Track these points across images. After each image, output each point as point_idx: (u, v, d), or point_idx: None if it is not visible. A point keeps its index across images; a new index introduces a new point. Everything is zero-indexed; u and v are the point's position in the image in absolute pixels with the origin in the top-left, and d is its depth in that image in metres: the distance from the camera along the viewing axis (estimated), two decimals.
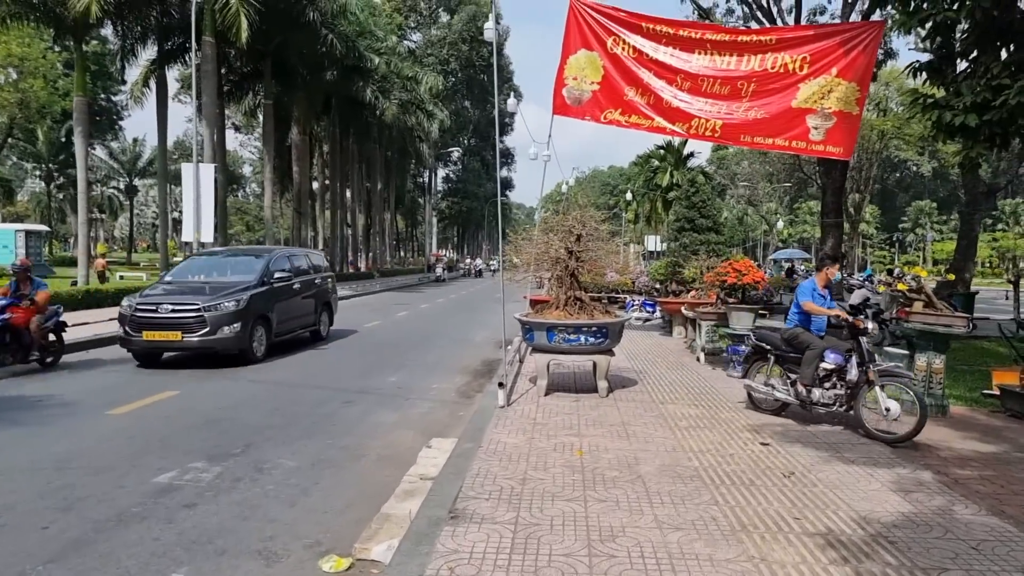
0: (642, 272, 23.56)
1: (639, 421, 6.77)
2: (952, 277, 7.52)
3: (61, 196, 69.71)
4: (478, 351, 12.56)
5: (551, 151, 16.21)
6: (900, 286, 7.25)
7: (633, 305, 18.28)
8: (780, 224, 56.54)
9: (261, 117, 32.55)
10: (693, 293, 12.28)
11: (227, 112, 50.24)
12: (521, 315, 8.10)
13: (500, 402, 7.21)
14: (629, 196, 44.80)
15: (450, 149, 55.96)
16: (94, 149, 69.71)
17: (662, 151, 41.68)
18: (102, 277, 27.59)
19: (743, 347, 9.08)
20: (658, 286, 16.53)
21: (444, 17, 67.88)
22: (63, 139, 62.83)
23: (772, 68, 10.60)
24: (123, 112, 63.63)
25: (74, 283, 24.01)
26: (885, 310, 18.32)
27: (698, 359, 10.56)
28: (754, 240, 71.51)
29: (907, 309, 7.40)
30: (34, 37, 54.98)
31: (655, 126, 11.32)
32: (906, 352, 8.23)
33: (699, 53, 10.79)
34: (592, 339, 7.61)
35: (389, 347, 12.91)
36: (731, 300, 9.72)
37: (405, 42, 65.60)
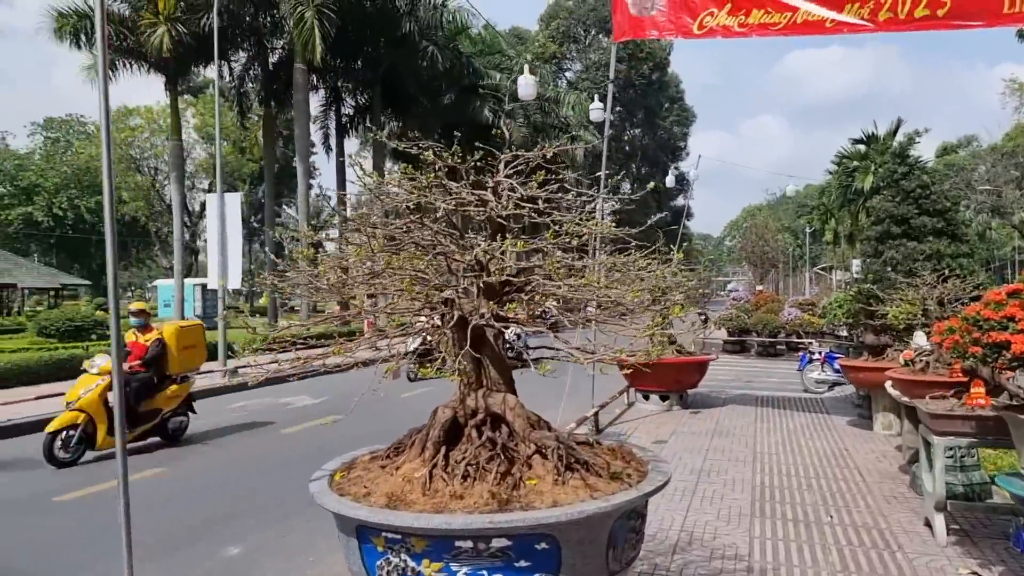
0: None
1: None
2: None
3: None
4: None
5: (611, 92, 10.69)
6: None
7: (811, 359, 11.80)
8: None
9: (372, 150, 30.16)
10: (908, 354, 6.04)
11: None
12: (320, 484, 2.75)
13: None
14: (791, 190, 35.42)
15: (597, 174, 50.77)
16: (290, 207, 74.96)
17: (861, 145, 31.82)
18: None
19: None
20: (843, 332, 10.01)
21: (605, 41, 64.03)
22: (261, 200, 67.96)
23: None
24: (315, 172, 67.31)
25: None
26: None
27: (928, 525, 4.44)
28: (1002, 260, 57.02)
29: None
30: (223, 107, 60.19)
31: (802, 23, 5.41)
32: None
33: None
34: (508, 573, 2.21)
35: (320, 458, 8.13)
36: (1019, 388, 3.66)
37: (566, 73, 62.68)
